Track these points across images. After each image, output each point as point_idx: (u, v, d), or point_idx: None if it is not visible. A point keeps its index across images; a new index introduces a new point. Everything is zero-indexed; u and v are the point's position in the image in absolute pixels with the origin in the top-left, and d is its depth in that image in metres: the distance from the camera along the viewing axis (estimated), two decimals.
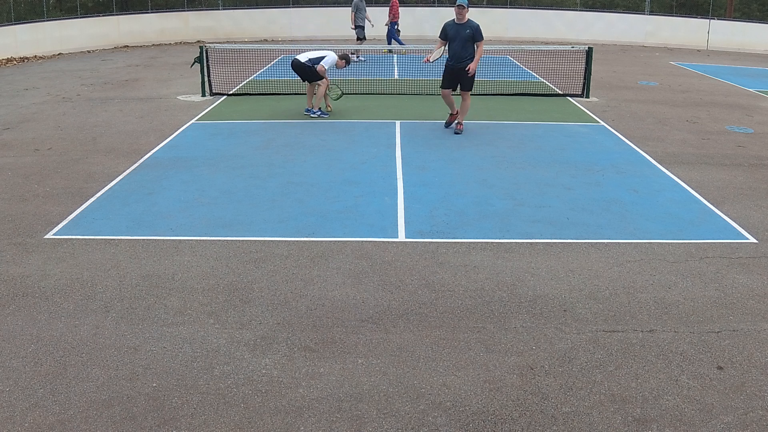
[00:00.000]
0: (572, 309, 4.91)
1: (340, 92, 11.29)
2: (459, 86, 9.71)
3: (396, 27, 18.58)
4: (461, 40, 9.46)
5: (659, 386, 4.03)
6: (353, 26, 17.30)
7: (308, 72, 10.55)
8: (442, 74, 9.82)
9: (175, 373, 4.11)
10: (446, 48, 9.73)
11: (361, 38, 17.40)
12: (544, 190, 7.44)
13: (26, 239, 6.08)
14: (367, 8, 17.66)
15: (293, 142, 9.30)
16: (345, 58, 10.77)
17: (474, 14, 22.52)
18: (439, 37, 9.75)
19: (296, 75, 10.82)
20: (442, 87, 9.84)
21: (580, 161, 8.55)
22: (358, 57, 17.51)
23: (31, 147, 9.16)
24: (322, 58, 10.48)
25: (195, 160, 8.46)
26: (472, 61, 9.46)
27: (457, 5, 9.32)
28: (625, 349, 4.42)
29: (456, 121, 9.92)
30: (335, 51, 10.83)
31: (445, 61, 9.77)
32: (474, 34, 9.43)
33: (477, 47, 9.52)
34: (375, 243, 6.01)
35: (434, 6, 23.79)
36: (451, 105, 10.01)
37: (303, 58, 10.56)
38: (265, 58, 17.18)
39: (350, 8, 17.45)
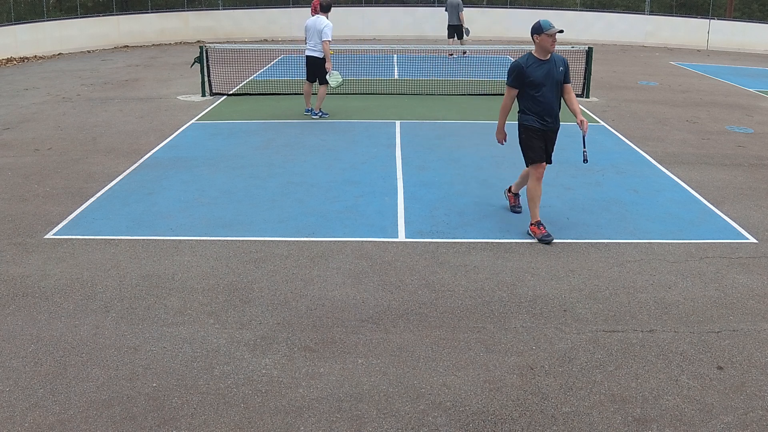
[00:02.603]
0: (572, 309, 4.91)
1: (341, 79, 10.63)
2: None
3: None
4: (554, 85, 5.95)
5: (659, 386, 4.03)
6: (465, 26, 18.10)
7: (320, 66, 10.28)
8: (523, 143, 6.17)
9: (175, 373, 4.11)
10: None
11: (461, 38, 18.20)
12: (544, 190, 7.39)
13: (26, 239, 6.08)
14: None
15: (293, 142, 9.30)
16: (324, 8, 10.26)
17: (474, 14, 22.74)
18: (510, 85, 5.99)
19: (303, 73, 10.66)
20: (534, 162, 6.16)
21: (580, 161, 8.52)
22: (456, 55, 18.36)
23: (31, 147, 9.16)
24: (321, 35, 10.03)
25: (195, 160, 8.46)
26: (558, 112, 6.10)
27: (553, 31, 5.72)
28: (625, 349, 4.42)
29: (513, 193, 6.87)
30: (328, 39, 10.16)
31: (527, 123, 6.10)
32: (567, 71, 6.03)
33: (569, 92, 6.07)
34: (375, 243, 6.01)
35: (434, 6, 23.77)
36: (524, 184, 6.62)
37: (312, 52, 10.29)
38: (265, 58, 17.17)
39: (451, 9, 18.06)
